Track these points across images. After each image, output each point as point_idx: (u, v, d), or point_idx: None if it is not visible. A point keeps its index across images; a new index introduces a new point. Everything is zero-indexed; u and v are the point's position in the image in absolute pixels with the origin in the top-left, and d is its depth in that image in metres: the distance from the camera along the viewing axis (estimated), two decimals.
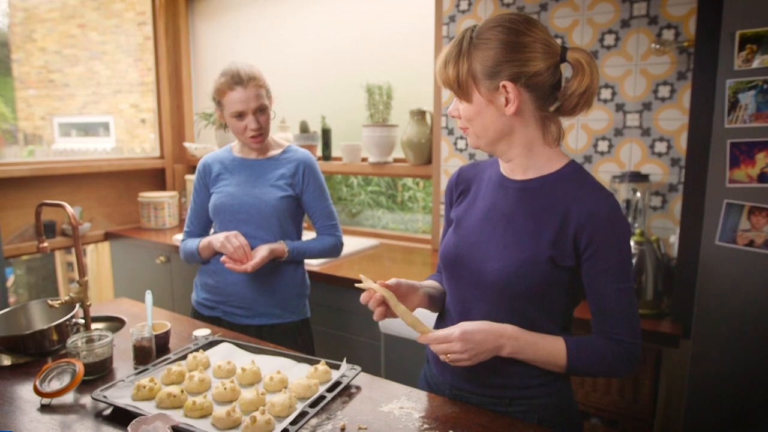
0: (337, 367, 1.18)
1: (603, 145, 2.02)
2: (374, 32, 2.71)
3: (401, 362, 1.98)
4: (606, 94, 1.99)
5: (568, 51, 0.97)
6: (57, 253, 5.54)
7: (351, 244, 2.58)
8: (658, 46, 1.72)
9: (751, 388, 1.31)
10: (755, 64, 1.28)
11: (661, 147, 1.91)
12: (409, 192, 3.07)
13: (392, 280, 1.04)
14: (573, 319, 1.09)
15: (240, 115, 1.59)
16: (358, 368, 1.16)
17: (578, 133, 2.06)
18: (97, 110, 8.27)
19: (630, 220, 1.86)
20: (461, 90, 0.98)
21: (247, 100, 1.57)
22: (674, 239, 1.74)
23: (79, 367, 1.10)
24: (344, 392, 1.11)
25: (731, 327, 1.31)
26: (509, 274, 0.98)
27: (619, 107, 1.97)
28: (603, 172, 2.03)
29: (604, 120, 2.00)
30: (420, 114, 2.45)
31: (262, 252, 1.57)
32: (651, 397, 1.55)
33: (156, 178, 3.31)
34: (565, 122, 2.07)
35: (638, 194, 1.82)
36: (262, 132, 1.62)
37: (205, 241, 1.64)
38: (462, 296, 1.08)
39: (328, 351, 2.17)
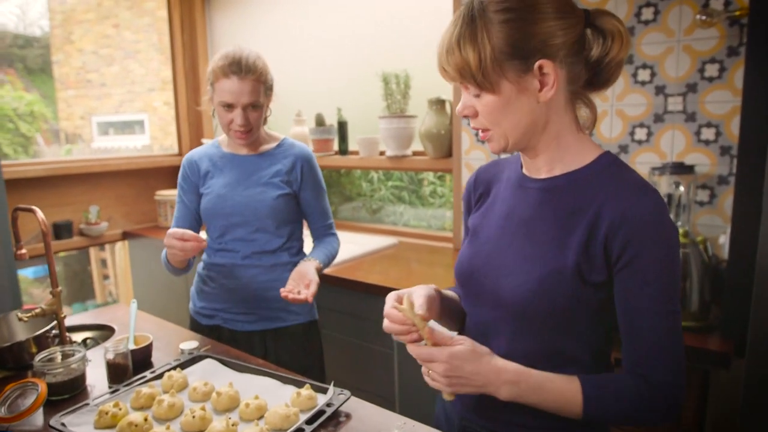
0: (324, 391, 1.05)
1: (641, 133, 1.80)
2: (391, 18, 2.55)
3: (416, 372, 1.83)
4: (644, 75, 1.77)
5: (594, 14, 0.82)
6: (91, 250, 5.66)
7: (369, 243, 2.44)
8: (704, 18, 1.49)
9: None
10: None
11: (708, 134, 1.68)
12: (431, 187, 2.91)
13: (421, 305, 0.85)
14: (611, 351, 0.91)
15: (228, 107, 1.44)
16: (347, 393, 1.02)
17: (612, 120, 1.85)
18: (132, 108, 8.42)
19: (671, 217, 1.64)
20: (485, 78, 0.78)
21: (240, 93, 1.41)
22: (724, 239, 1.52)
23: (42, 388, 1.01)
24: (330, 422, 0.97)
25: None
26: (528, 292, 0.82)
27: (659, 90, 1.75)
28: (641, 164, 1.81)
29: (642, 105, 1.78)
30: (439, 103, 2.28)
31: (312, 275, 1.43)
32: (696, 425, 1.35)
33: (174, 175, 3.25)
34: (598, 109, 1.87)
35: (682, 188, 1.60)
36: (249, 129, 1.47)
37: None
38: (480, 318, 0.92)
39: (338, 358, 2.04)
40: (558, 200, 0.84)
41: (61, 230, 2.74)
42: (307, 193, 1.57)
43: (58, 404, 1.07)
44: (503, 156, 1.02)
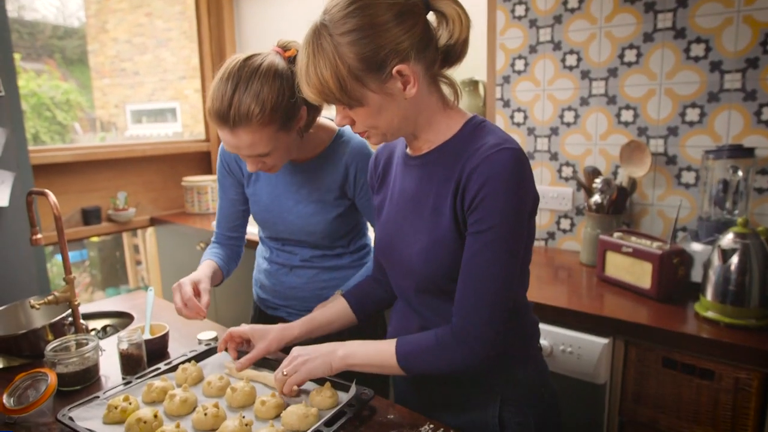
0: (346, 389, 0.97)
1: (692, 114, 1.66)
2: None
3: None
4: (697, 50, 1.62)
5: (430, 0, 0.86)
6: (124, 236, 5.74)
7: None
8: None
9: None
10: None
11: None
12: None
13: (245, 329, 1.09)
14: (525, 300, 1.00)
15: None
16: (370, 392, 0.95)
17: (661, 100, 1.70)
18: (164, 97, 8.51)
19: (728, 205, 1.50)
20: (350, 97, 0.82)
21: (236, 146, 1.09)
22: None
23: (52, 379, 0.96)
24: (350, 423, 0.89)
25: None
26: (422, 261, 0.91)
27: (715, 66, 1.59)
28: (691, 147, 1.67)
29: (695, 83, 1.63)
30: (472, 84, 2.17)
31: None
32: (755, 430, 1.22)
33: (202, 162, 3.23)
34: (645, 88, 1.73)
35: (740, 173, 1.46)
36: (269, 168, 1.17)
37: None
38: (399, 289, 1.03)
39: None
40: (432, 173, 0.91)
41: (90, 216, 2.74)
42: (364, 201, 1.29)
43: (69, 395, 1.02)
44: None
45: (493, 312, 0.84)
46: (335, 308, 1.15)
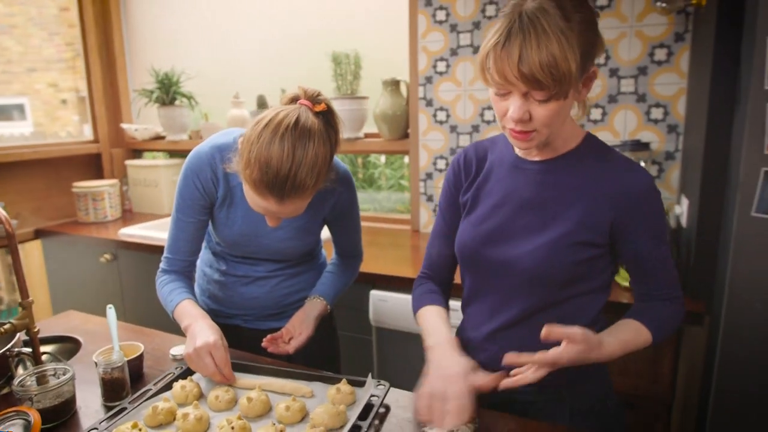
0: (359, 384, 1.00)
1: (596, 113, 1.91)
2: None
3: (395, 358, 1.82)
4: (600, 58, 1.86)
5: None
6: None
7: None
8: (663, 5, 1.59)
9: None
10: None
11: (657, 113, 1.82)
12: (378, 169, 2.88)
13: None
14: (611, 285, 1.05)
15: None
16: (386, 384, 0.98)
17: None
18: (9, 91, 7.40)
19: None
20: (562, 87, 0.79)
21: (276, 212, 1.05)
22: (680, 209, 1.66)
23: (35, 418, 0.86)
24: (377, 415, 0.93)
25: (767, 303, 1.23)
26: (540, 261, 0.91)
27: (613, 72, 1.86)
28: None
29: (598, 86, 1.88)
30: (394, 84, 2.25)
31: (308, 326, 1.22)
32: (671, 379, 1.47)
33: (91, 165, 2.93)
34: None
35: (643, 164, 1.73)
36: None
37: (183, 323, 1.13)
38: (490, 290, 1.01)
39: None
40: (556, 179, 0.94)
41: None
42: (337, 226, 1.33)
43: None
44: (491, 134, 1.07)
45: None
46: (439, 313, 1.05)
